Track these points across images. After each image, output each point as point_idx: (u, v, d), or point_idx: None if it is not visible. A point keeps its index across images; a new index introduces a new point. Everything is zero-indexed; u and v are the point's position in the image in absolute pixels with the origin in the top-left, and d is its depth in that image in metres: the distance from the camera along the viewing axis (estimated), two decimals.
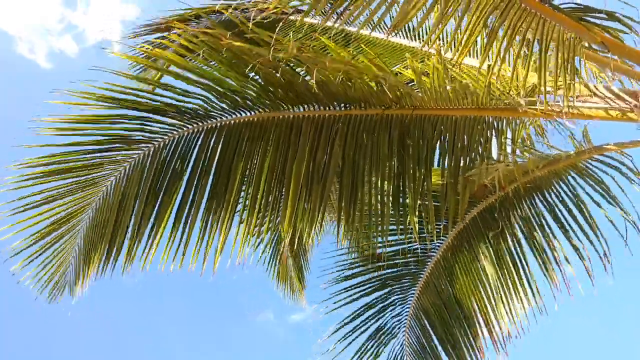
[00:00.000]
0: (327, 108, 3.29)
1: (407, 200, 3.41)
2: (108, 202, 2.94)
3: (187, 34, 2.73)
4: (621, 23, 2.83)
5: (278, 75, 2.96)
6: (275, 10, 3.15)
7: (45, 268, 3.14)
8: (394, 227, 3.59)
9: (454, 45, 3.35)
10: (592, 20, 2.94)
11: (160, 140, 2.92)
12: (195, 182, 2.93)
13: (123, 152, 2.89)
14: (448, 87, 3.29)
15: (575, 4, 2.92)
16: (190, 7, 4.35)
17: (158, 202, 2.88)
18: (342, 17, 2.98)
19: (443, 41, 3.79)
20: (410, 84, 3.65)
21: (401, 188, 3.41)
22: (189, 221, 2.89)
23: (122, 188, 2.89)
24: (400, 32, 4.31)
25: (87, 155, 2.85)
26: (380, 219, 3.24)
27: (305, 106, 3.23)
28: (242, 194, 3.00)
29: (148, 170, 2.86)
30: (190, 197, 2.91)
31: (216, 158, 2.96)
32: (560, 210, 3.88)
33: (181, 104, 2.89)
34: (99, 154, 2.86)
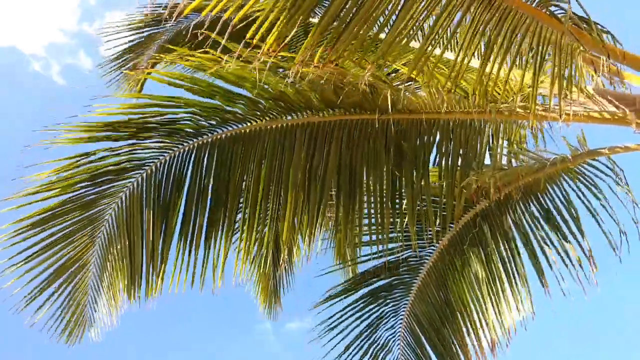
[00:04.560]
0: (321, 114, 3.30)
1: (404, 205, 3.46)
2: (113, 236, 2.91)
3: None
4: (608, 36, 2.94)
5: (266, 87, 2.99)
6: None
7: (61, 312, 3.10)
8: (392, 233, 3.62)
9: (452, 47, 3.42)
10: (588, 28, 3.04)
11: (151, 164, 2.90)
12: (193, 201, 2.93)
13: (115, 184, 2.86)
14: (443, 93, 3.35)
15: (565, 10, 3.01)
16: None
17: (162, 225, 2.87)
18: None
19: (440, 43, 3.85)
20: (408, 84, 3.70)
21: (398, 193, 3.45)
22: (194, 240, 2.89)
23: (124, 218, 2.86)
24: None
25: (79, 194, 2.82)
26: (380, 225, 3.27)
27: (298, 113, 3.24)
28: (241, 206, 3.00)
29: (146, 196, 2.84)
30: (192, 216, 2.92)
31: (212, 173, 2.95)
32: (553, 216, 3.98)
33: (169, 125, 2.88)
34: (91, 190, 2.83)
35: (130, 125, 2.93)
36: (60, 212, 2.82)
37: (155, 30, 4.57)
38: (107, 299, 3.05)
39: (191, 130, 2.95)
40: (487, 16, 3.01)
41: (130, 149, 2.94)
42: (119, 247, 2.91)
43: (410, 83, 3.61)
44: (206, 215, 2.94)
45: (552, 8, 3.02)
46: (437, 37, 3.10)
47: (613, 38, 3.02)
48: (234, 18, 2.51)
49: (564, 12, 3.02)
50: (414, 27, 3.15)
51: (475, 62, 3.56)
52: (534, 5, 3.01)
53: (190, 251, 2.93)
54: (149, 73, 3.05)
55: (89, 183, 2.85)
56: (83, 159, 2.80)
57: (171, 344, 14.42)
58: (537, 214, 4.01)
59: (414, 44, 4.15)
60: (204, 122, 2.96)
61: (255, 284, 4.84)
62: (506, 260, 4.06)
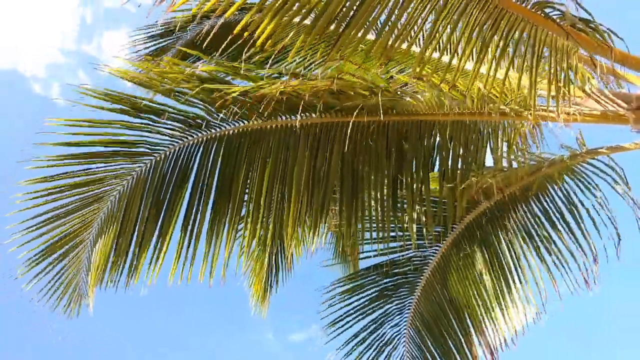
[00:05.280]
0: (324, 115, 3.39)
1: (406, 206, 3.52)
2: (113, 217, 3.00)
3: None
4: (605, 35, 2.99)
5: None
6: None
7: (54, 285, 3.17)
8: (394, 233, 3.68)
9: (449, 51, 3.49)
10: (583, 28, 3.09)
11: (161, 151, 3.00)
12: (198, 192, 3.01)
13: (125, 166, 2.96)
14: (442, 97, 3.41)
15: (561, 11, 3.06)
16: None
17: (162, 215, 2.97)
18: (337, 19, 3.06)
19: (439, 46, 3.92)
20: (406, 87, 3.77)
21: (400, 193, 3.52)
22: (194, 233, 2.97)
23: (126, 202, 2.95)
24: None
25: (90, 169, 2.92)
26: (381, 224, 3.34)
27: (302, 114, 3.33)
28: (244, 203, 3.09)
29: (150, 182, 2.93)
30: (194, 208, 3.01)
31: (218, 167, 3.05)
32: (554, 215, 4.01)
33: (181, 115, 2.97)
34: (102, 167, 2.93)
35: (146, 108, 3.03)
36: (72, 184, 2.91)
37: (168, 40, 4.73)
38: (93, 277, 3.09)
39: (202, 122, 3.06)
40: (483, 18, 3.08)
41: (144, 131, 3.04)
42: (114, 228, 2.99)
43: (410, 86, 3.67)
44: (209, 207, 3.04)
45: (548, 10, 3.08)
46: (434, 39, 3.19)
47: (609, 37, 3.06)
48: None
49: (559, 13, 3.09)
50: (414, 31, 3.25)
51: (473, 65, 3.63)
52: (529, 7, 3.07)
53: (190, 243, 3.01)
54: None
55: (102, 159, 2.94)
56: (101, 129, 2.90)
57: (171, 343, 14.52)
58: (538, 213, 4.05)
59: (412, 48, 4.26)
60: (215, 115, 3.06)
61: (251, 277, 4.90)
62: (509, 259, 4.10)
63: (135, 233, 2.95)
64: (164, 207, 2.97)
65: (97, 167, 2.94)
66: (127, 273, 2.98)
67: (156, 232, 2.97)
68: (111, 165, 2.95)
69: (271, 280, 4.98)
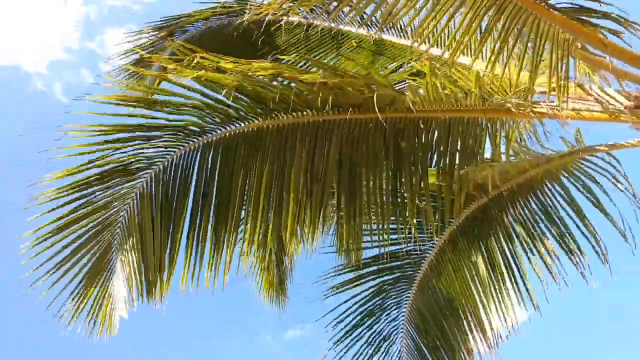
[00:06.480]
0: (321, 113, 3.30)
1: (405, 202, 3.46)
2: (128, 237, 2.94)
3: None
4: (617, 23, 2.90)
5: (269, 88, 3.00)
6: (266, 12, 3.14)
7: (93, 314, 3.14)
8: (393, 226, 3.63)
9: (449, 46, 3.39)
10: (588, 19, 3.00)
11: (159, 163, 2.92)
12: (199, 199, 2.97)
13: (126, 185, 2.89)
14: (441, 90, 3.33)
15: (571, 3, 2.97)
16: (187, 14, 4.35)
17: (171, 226, 2.91)
18: (333, 14, 2.97)
19: (438, 41, 3.83)
20: (403, 84, 3.69)
21: (398, 189, 3.45)
22: (200, 239, 2.92)
23: (137, 220, 2.90)
24: (393, 30, 4.34)
25: (92, 198, 2.85)
26: (379, 220, 3.29)
27: (299, 113, 3.24)
28: (244, 205, 3.03)
29: (155, 196, 2.87)
30: (198, 214, 2.99)
31: (217, 171, 3.00)
32: (553, 210, 3.96)
33: (174, 122, 2.89)
34: (101, 193, 2.85)
35: (140, 125, 2.95)
36: (74, 219, 2.85)
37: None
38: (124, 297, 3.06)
39: (196, 129, 2.99)
40: (484, 10, 2.99)
41: (139, 147, 2.96)
42: (132, 249, 2.93)
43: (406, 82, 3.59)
44: (212, 213, 2.99)
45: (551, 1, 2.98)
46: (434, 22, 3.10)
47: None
48: None
49: (564, 6, 2.99)
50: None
51: (477, 62, 3.55)
52: None
53: (197, 249, 2.96)
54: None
55: (100, 186, 2.87)
56: (93, 159, 2.83)
57: (171, 344, 14.53)
58: (536, 209, 3.99)
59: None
60: (209, 119, 2.98)
61: (259, 277, 4.88)
62: (507, 254, 4.06)
63: (154, 248, 2.89)
64: (172, 218, 2.92)
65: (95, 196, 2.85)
66: (150, 288, 2.93)
67: (169, 244, 2.92)
68: (112, 188, 2.87)
69: (281, 274, 4.96)
